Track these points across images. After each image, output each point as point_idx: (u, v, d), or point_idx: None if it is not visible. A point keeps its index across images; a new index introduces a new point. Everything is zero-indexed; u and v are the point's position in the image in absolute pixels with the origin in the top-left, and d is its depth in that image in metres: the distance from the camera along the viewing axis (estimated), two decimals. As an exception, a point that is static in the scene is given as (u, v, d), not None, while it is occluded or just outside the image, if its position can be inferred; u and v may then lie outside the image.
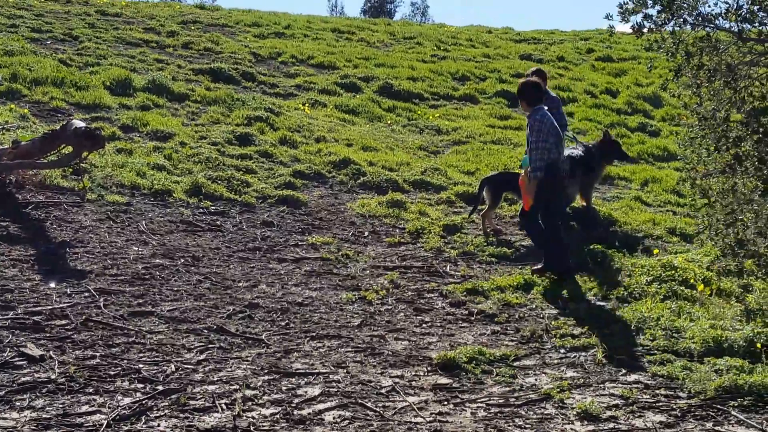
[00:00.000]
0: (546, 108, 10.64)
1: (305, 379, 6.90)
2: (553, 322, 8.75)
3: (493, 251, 11.14)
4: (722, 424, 6.47)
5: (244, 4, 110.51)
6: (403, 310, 9.00)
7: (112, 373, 6.64)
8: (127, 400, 6.19)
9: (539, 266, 10.31)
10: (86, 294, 8.32)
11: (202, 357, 7.18)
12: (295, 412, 6.26)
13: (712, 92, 8.89)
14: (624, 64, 27.61)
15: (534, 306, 9.30)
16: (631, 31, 8.96)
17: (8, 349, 6.82)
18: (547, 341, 8.26)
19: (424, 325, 8.56)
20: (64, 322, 7.55)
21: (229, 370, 6.96)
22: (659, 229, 12.72)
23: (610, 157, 13.45)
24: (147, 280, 9.00)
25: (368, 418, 6.29)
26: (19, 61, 17.06)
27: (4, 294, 8.02)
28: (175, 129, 14.99)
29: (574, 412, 6.55)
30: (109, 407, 6.04)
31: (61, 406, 6.01)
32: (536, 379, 7.27)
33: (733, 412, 6.63)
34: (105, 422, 5.80)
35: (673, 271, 9.97)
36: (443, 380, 7.15)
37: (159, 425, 5.87)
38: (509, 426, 6.31)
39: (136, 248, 9.94)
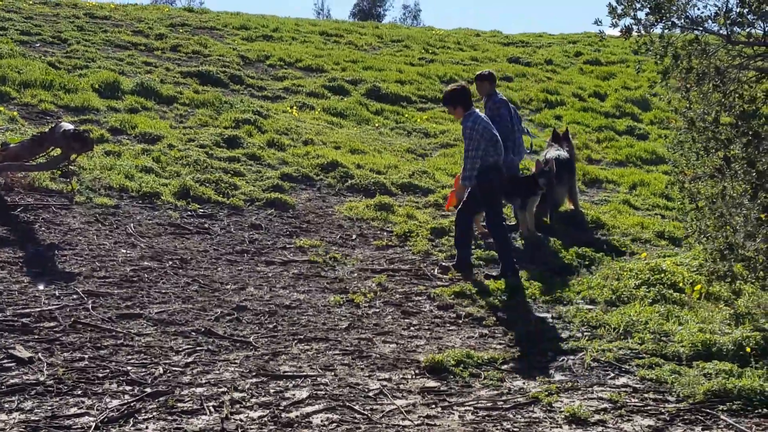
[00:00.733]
0: (486, 110, 11.30)
1: (293, 382, 6.93)
2: (541, 326, 8.80)
3: (481, 254, 11.17)
4: (711, 428, 6.50)
5: (232, 7, 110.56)
6: (391, 313, 9.03)
7: (100, 375, 6.66)
8: (116, 403, 6.21)
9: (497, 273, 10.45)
10: (75, 296, 8.33)
11: (190, 359, 7.20)
12: (283, 414, 6.29)
13: (701, 95, 8.91)
14: (612, 67, 27.69)
15: (522, 309, 9.34)
16: (619, 34, 9.00)
17: (-3, 351, 6.84)
18: (535, 345, 8.30)
19: (411, 328, 8.60)
20: (52, 324, 7.56)
21: (217, 372, 6.98)
22: (648, 232, 12.79)
23: None
24: (135, 282, 9.02)
25: (356, 421, 6.32)
26: (8, 64, 17.02)
27: (-8, 296, 8.03)
28: (163, 132, 14.99)
29: (563, 416, 6.58)
30: (97, 409, 6.06)
31: (49, 408, 6.02)
32: (524, 383, 7.31)
33: (722, 417, 6.66)
34: (93, 424, 5.82)
35: (661, 275, 10.01)
36: (431, 383, 7.18)
37: (147, 427, 5.90)
38: (497, 429, 6.35)
39: (125, 251, 9.95)
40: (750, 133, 8.50)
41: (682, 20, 8.87)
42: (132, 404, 6.20)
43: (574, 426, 6.44)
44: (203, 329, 7.92)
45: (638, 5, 8.80)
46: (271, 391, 6.72)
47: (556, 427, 6.41)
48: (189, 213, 11.72)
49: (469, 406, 6.77)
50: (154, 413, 6.11)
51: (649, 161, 18.16)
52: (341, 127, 18.08)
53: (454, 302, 9.44)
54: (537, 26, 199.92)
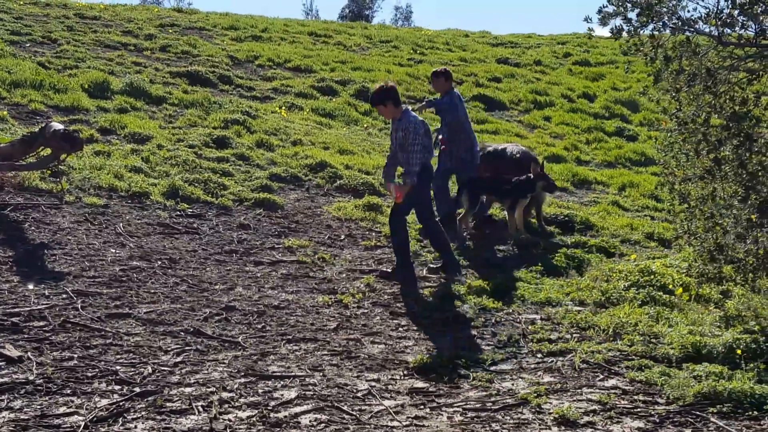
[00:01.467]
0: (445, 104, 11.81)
1: (281, 382, 6.95)
2: (530, 327, 8.79)
3: (470, 255, 11.21)
4: (701, 430, 6.48)
5: (221, 8, 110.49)
6: (380, 313, 9.06)
7: (89, 374, 6.68)
8: (105, 402, 6.22)
9: (439, 266, 10.56)
10: (64, 296, 8.34)
11: (178, 359, 7.22)
12: (272, 414, 6.31)
13: (691, 97, 8.88)
14: (602, 68, 27.78)
15: (511, 310, 9.34)
16: (609, 34, 9.01)
17: (-14, 350, 6.85)
18: (524, 346, 8.29)
19: (400, 329, 8.62)
20: (42, 323, 7.58)
21: (206, 372, 7.00)
22: (637, 234, 12.83)
23: None
24: (124, 282, 9.03)
25: (344, 421, 6.34)
26: (-3, 64, 17.05)
27: (-19, 295, 8.05)
28: (152, 132, 15.00)
29: (552, 418, 6.57)
30: (86, 408, 6.08)
31: (39, 407, 6.04)
32: (513, 384, 7.29)
33: (712, 419, 6.62)
34: (82, 424, 5.84)
35: (651, 277, 10.00)
36: (420, 384, 7.19)
37: (136, 427, 5.91)
38: (486, 430, 6.35)
39: (114, 250, 9.97)
40: (741, 134, 8.47)
41: (673, 21, 8.88)
42: (121, 404, 6.21)
43: (563, 427, 6.43)
44: (192, 329, 7.94)
45: (629, 6, 8.80)
46: (260, 391, 6.74)
47: (545, 429, 6.41)
48: (178, 213, 11.74)
49: (458, 407, 6.77)
50: (143, 413, 6.13)
51: (638, 162, 18.25)
52: (330, 128, 18.12)
53: (443, 303, 9.46)
54: (526, 27, 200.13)
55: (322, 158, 14.93)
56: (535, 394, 6.98)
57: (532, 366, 7.78)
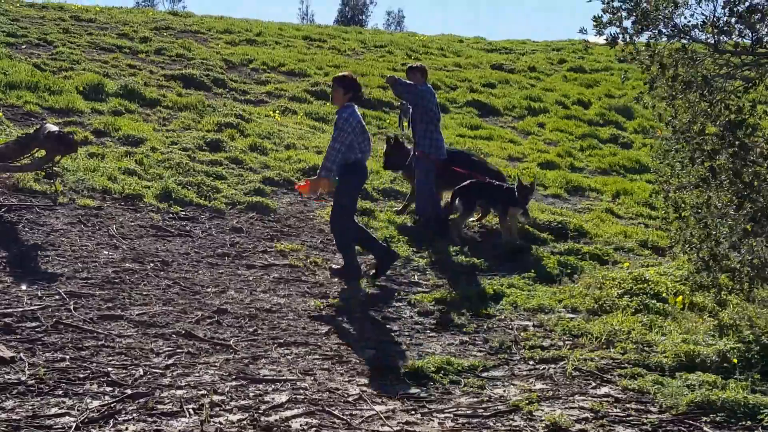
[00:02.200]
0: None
1: (272, 386, 6.97)
2: (522, 334, 8.80)
3: (463, 261, 11.23)
4: (694, 439, 6.52)
5: (216, 11, 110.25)
6: (371, 318, 9.08)
7: (81, 375, 6.69)
8: (96, 403, 6.23)
9: (338, 268, 10.42)
10: (57, 297, 8.35)
11: (170, 361, 7.23)
12: (262, 418, 6.33)
13: (687, 104, 8.86)
14: (596, 75, 27.83)
15: (503, 317, 9.37)
16: (605, 42, 9.01)
17: (-22, 351, 6.86)
18: (516, 353, 8.31)
19: (392, 334, 8.64)
20: (34, 324, 7.59)
21: (197, 375, 7.01)
22: (631, 241, 12.85)
23: None
24: (117, 284, 9.04)
25: (335, 426, 6.36)
26: (-7, 65, 17.06)
27: (-26, 296, 8.06)
28: (146, 134, 15.01)
29: (543, 425, 6.57)
30: (78, 410, 6.09)
31: (30, 407, 6.05)
32: (505, 391, 7.30)
33: (705, 428, 6.63)
34: (74, 425, 5.85)
35: (644, 285, 10.00)
36: (411, 389, 7.21)
37: (127, 428, 5.92)
38: (476, 436, 6.39)
39: (107, 252, 9.98)
40: (736, 143, 8.43)
41: (669, 29, 8.89)
42: (112, 405, 6.23)
43: (554, 435, 6.47)
44: (184, 332, 7.96)
45: (624, 14, 8.81)
46: (251, 394, 6.75)
47: (535, 435, 6.45)
48: (171, 215, 11.75)
49: (449, 413, 6.79)
50: (134, 414, 6.15)
51: (632, 170, 18.29)
52: (324, 132, 18.12)
53: (435, 309, 9.48)
54: (521, 33, 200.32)
55: (316, 162, 14.91)
56: (527, 401, 6.98)
57: (524, 373, 7.79)
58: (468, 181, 12.34)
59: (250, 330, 8.30)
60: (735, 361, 7.82)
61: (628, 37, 8.87)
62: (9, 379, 6.45)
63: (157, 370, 6.99)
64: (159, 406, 6.30)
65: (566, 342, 8.59)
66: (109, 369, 6.87)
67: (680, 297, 9.75)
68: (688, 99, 8.83)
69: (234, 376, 7.05)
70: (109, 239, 10.41)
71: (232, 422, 6.20)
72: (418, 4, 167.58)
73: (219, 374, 7.07)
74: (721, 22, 8.61)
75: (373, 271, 10.48)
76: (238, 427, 6.12)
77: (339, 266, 10.43)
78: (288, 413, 6.47)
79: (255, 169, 14.49)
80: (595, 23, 8.89)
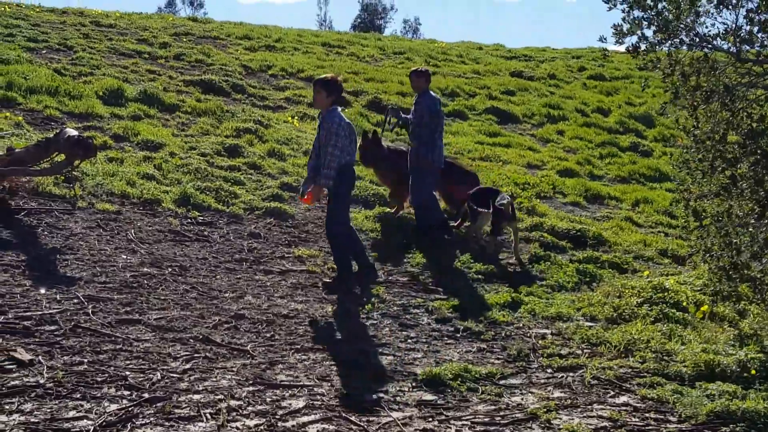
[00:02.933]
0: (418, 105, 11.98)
1: (289, 391, 6.97)
2: (540, 342, 8.77)
3: (480, 268, 11.21)
4: (714, 449, 6.49)
5: (235, 17, 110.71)
6: (389, 324, 9.07)
7: (99, 379, 6.71)
8: (114, 407, 6.25)
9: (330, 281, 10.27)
10: (75, 300, 8.38)
11: (187, 366, 7.24)
12: (279, 423, 6.33)
13: (708, 113, 8.81)
14: (616, 82, 27.75)
15: (521, 324, 9.33)
16: (626, 51, 8.96)
17: (-2, 353, 6.89)
18: (534, 360, 8.27)
19: (409, 341, 8.62)
20: (53, 327, 7.62)
21: (215, 379, 7.02)
22: (650, 250, 12.81)
23: None
24: (135, 288, 9.07)
25: None
26: (15, 70, 17.14)
27: (-6, 299, 8.09)
28: (165, 139, 15.05)
29: (561, 433, 6.57)
30: (95, 413, 6.11)
31: (49, 410, 6.07)
32: (522, 399, 7.27)
33: (725, 439, 6.59)
34: (92, 428, 5.87)
35: (664, 293, 9.96)
36: (428, 396, 7.19)
37: (145, 432, 5.96)
38: (493, 443, 6.37)
39: (125, 256, 10.01)
40: (758, 152, 8.38)
41: (690, 37, 8.84)
42: (130, 409, 6.24)
43: (572, 443, 6.45)
44: (201, 336, 7.98)
45: (645, 23, 8.77)
46: (268, 399, 6.76)
47: (553, 443, 6.43)
48: (189, 220, 11.77)
49: (467, 420, 6.77)
50: (152, 419, 6.16)
51: (652, 178, 18.21)
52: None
53: (453, 316, 9.46)
54: (540, 41, 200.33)
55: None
56: (545, 410, 6.96)
57: (542, 381, 7.76)
58: (477, 188, 12.33)
59: (268, 335, 8.30)
60: (754, 371, 7.78)
61: (649, 45, 8.82)
62: (27, 381, 6.47)
63: (175, 375, 7.00)
64: (176, 411, 6.32)
65: (585, 350, 8.55)
66: (127, 373, 6.89)
67: (704, 307, 9.68)
68: (710, 108, 8.78)
69: (251, 382, 7.06)
70: (128, 243, 10.44)
71: (249, 427, 6.21)
72: (435, 12, 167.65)
73: (236, 379, 7.08)
74: (743, 31, 8.57)
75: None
76: (255, 432, 6.13)
77: (331, 279, 10.32)
78: (305, 419, 6.47)
79: (273, 174, 14.51)
80: (614, 31, 8.85)
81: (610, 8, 8.88)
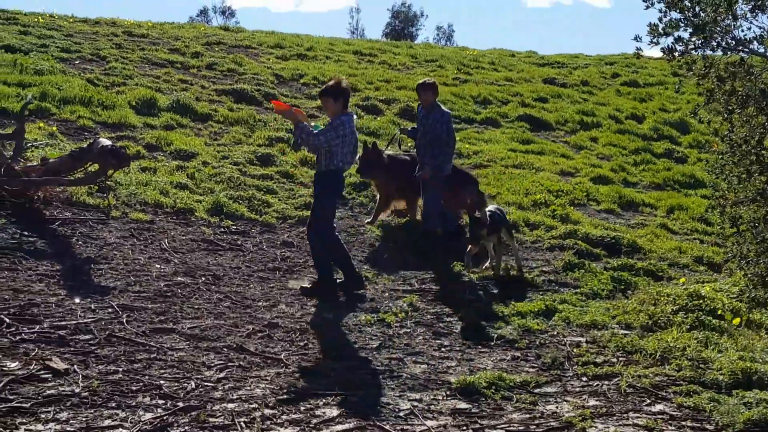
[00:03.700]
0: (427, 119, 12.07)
1: (323, 400, 6.95)
2: (575, 350, 8.70)
3: (513, 276, 11.15)
4: (752, 458, 6.42)
5: (267, 26, 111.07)
6: (422, 333, 9.04)
7: (134, 388, 6.73)
8: (149, 416, 6.26)
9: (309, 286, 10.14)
10: (110, 310, 8.42)
11: (221, 375, 7.25)
12: (314, 432, 6.33)
13: (744, 118, 8.73)
14: (650, 89, 27.56)
15: (555, 332, 9.28)
16: (661, 54, 8.87)
17: (34, 362, 6.91)
18: (569, 369, 8.22)
19: (443, 349, 8.59)
20: (88, 336, 7.66)
21: (249, 388, 7.03)
22: (686, 257, 12.71)
23: None
24: (169, 297, 9.10)
25: (386, 439, 6.35)
26: (48, 81, 17.29)
27: (30, 308, 8.14)
28: (198, 149, 15.12)
29: (596, 441, 6.53)
30: (131, 422, 6.12)
31: (84, 419, 6.09)
32: (557, 407, 7.22)
33: (763, 447, 6.52)
34: (127, 437, 5.90)
35: (700, 301, 9.87)
36: (462, 405, 7.16)
37: (180, 441, 5.96)
38: (527, 451, 6.33)
39: (159, 266, 10.05)
40: (796, 157, 8.34)
41: (726, 41, 8.75)
42: (165, 418, 6.25)
43: (607, 451, 6.40)
44: (235, 345, 7.99)
45: (681, 25, 8.69)
46: (302, 408, 6.74)
47: (589, 452, 6.38)
48: (222, 229, 11.82)
49: (501, 429, 6.72)
50: (187, 427, 6.16)
51: (687, 185, 18.06)
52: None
53: (486, 324, 9.41)
54: (573, 47, 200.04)
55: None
56: (580, 418, 6.90)
57: (577, 389, 7.70)
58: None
59: (301, 344, 8.30)
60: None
61: (684, 48, 8.74)
62: (63, 391, 6.50)
63: (209, 384, 7.01)
64: (211, 419, 6.32)
65: (620, 358, 8.48)
66: (162, 382, 6.91)
67: (738, 315, 9.59)
68: (746, 113, 8.68)
69: (285, 390, 7.06)
70: (161, 253, 10.49)
71: (284, 436, 6.20)
72: (465, 19, 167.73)
73: (270, 388, 7.08)
74: (780, 35, 8.48)
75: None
76: (290, 442, 6.13)
77: (310, 284, 10.22)
78: (339, 428, 6.45)
79: (306, 183, 14.53)
80: (650, 30, 8.76)
81: (647, 7, 8.78)
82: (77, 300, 8.55)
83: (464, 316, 9.64)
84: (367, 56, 29.28)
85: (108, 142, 11.16)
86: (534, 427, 6.78)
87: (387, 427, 6.54)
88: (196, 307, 8.96)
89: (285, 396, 6.94)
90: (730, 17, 8.52)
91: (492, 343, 8.88)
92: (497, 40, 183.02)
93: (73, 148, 11.96)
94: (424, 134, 12.44)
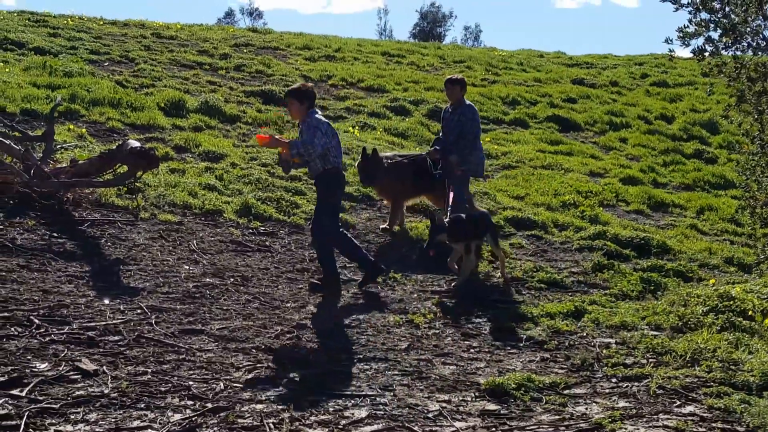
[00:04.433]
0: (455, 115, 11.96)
1: (352, 401, 6.93)
2: (604, 351, 8.63)
3: (543, 277, 11.10)
4: (782, 460, 6.35)
5: (295, 28, 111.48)
6: (451, 334, 9.01)
7: (162, 389, 6.73)
8: (178, 417, 6.26)
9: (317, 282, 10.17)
10: (139, 311, 8.45)
11: (250, 376, 7.25)
12: (342, 433, 6.31)
13: (775, 119, 8.70)
14: (680, 89, 27.44)
15: (584, 334, 9.21)
16: (691, 55, 8.82)
17: (63, 363, 6.94)
18: (598, 370, 8.15)
19: (471, 350, 8.55)
20: (117, 338, 7.68)
21: (277, 389, 7.02)
22: (716, 258, 12.61)
23: None
24: (197, 298, 9.12)
25: (415, 441, 6.32)
26: (77, 83, 17.41)
27: (60, 309, 8.17)
28: (226, 150, 15.16)
29: (626, 443, 6.46)
30: (159, 423, 6.12)
31: (113, 420, 6.09)
32: (587, 408, 7.15)
33: (793, 449, 6.45)
34: (156, 438, 5.90)
35: (730, 302, 9.75)
36: (491, 406, 7.11)
37: (208, 442, 5.96)
38: (557, 453, 6.29)
39: (187, 267, 10.07)
40: (825, 157, 8.28)
41: (756, 41, 8.70)
42: (193, 419, 6.25)
43: (637, 453, 6.35)
44: (263, 346, 7.98)
45: (711, 26, 8.64)
46: (330, 409, 6.73)
47: (618, 454, 6.33)
48: (250, 231, 11.83)
49: (530, 430, 6.67)
50: (215, 428, 6.16)
51: (717, 185, 17.95)
52: (402, 148, 18.10)
53: (515, 325, 9.38)
54: (601, 48, 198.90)
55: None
56: (610, 420, 6.83)
57: (607, 390, 7.63)
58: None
59: (330, 345, 8.28)
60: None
61: (715, 49, 8.69)
62: (92, 391, 6.51)
63: (238, 385, 7.00)
64: (239, 421, 6.31)
65: (650, 360, 8.41)
66: (190, 383, 6.91)
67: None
68: (777, 113, 8.63)
69: (314, 391, 7.04)
70: (190, 254, 10.51)
71: (312, 437, 6.18)
72: (494, 19, 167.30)
73: (299, 389, 7.06)
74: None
75: (361, 279, 10.42)
76: (318, 443, 6.11)
77: (318, 280, 10.25)
78: (368, 429, 6.42)
79: (334, 184, 14.50)
80: (680, 33, 8.73)
81: (677, 9, 8.75)
82: (106, 301, 8.58)
83: (493, 317, 9.60)
84: (395, 57, 29.31)
85: (137, 144, 11.20)
86: (563, 428, 6.73)
87: (416, 428, 6.51)
88: (224, 308, 8.97)
89: (313, 397, 6.93)
90: (761, 18, 8.47)
91: (521, 345, 8.83)
92: (525, 41, 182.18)
93: (103, 150, 12.02)
94: (451, 131, 12.30)
